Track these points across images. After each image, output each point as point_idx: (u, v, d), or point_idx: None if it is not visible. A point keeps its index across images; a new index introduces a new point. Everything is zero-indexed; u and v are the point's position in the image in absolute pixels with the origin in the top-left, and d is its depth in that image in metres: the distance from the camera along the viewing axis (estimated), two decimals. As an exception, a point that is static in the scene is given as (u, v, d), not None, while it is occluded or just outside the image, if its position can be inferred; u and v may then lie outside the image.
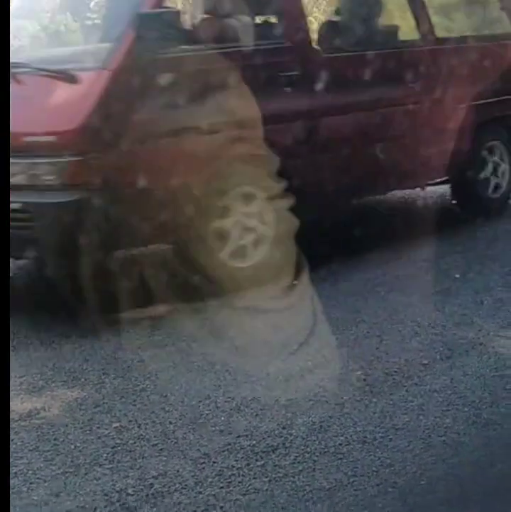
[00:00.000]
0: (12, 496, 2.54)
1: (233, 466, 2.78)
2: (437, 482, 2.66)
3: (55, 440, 2.98)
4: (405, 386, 3.36)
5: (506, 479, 2.69)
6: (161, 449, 2.90)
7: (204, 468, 2.78)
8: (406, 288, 4.57)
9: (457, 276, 4.76)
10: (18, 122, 3.19)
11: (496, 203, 6.09)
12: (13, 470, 2.74)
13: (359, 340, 3.91)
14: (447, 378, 3.42)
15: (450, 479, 2.68)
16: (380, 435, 2.98)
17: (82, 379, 3.52)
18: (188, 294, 4.28)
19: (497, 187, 6.07)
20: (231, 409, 3.21)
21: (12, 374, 3.39)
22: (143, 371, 3.57)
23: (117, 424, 3.09)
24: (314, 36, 5.44)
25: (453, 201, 6.22)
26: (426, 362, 3.59)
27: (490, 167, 6.02)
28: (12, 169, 3.39)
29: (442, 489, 2.63)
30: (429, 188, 6.20)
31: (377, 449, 2.88)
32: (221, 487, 2.66)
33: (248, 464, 2.80)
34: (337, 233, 5.48)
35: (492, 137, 6.02)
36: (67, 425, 3.09)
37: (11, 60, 3.29)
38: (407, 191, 6.43)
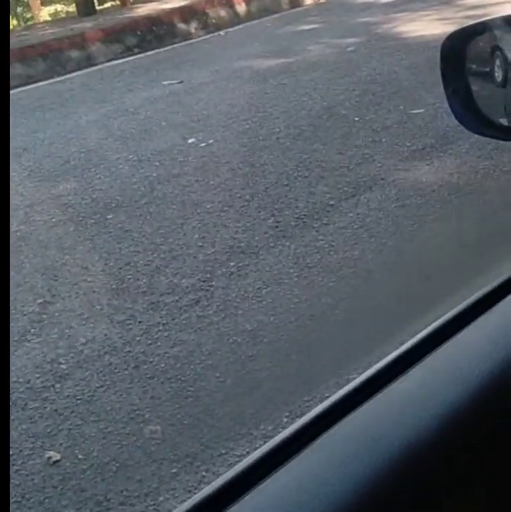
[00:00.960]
0: None
1: (159, 323, 2.90)
2: (348, 306, 2.83)
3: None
4: (315, 227, 3.50)
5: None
6: (87, 317, 2.99)
7: (130, 328, 2.89)
8: (309, 137, 4.65)
9: (356, 119, 4.84)
10: None
11: None
12: None
13: (268, 190, 4.00)
14: (353, 214, 3.56)
15: (354, 301, 2.86)
16: (295, 274, 3.12)
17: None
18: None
19: None
20: (152, 271, 3.30)
21: None
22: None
23: (41, 300, 3.15)
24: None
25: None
26: (332, 202, 3.72)
27: None
28: None
29: (354, 309, 2.81)
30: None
31: (294, 288, 3.02)
32: (149, 344, 2.78)
33: (173, 319, 2.91)
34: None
35: None
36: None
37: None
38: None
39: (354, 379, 0.78)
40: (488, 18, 1.16)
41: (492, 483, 0.76)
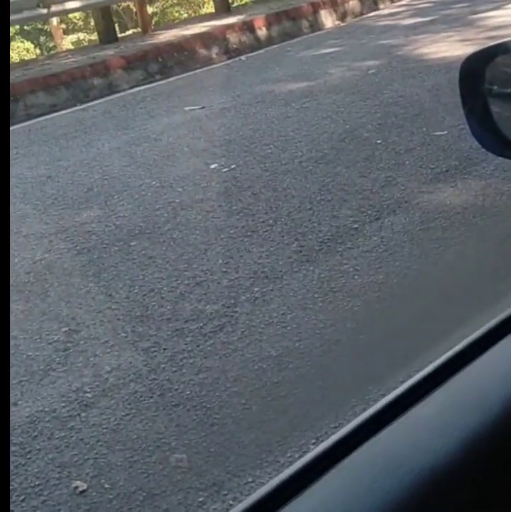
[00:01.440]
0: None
1: (184, 350, 2.89)
2: (373, 330, 2.81)
3: (7, 352, 3.04)
4: (339, 251, 3.48)
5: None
6: (112, 346, 2.99)
7: (155, 356, 2.88)
8: (332, 161, 4.65)
9: (378, 141, 4.84)
10: None
11: None
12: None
13: (292, 214, 4.00)
14: (377, 238, 3.55)
15: (380, 325, 2.84)
16: (319, 299, 3.11)
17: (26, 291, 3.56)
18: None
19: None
20: (176, 297, 3.30)
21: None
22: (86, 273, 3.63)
23: (66, 328, 3.16)
24: None
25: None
26: (356, 226, 3.71)
27: None
28: None
29: (378, 333, 2.79)
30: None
31: (319, 313, 3.01)
32: (174, 371, 2.77)
33: (198, 346, 2.91)
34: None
35: None
36: (15, 337, 3.15)
37: None
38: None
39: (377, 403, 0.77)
40: (508, 38, 1.15)
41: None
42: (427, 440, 0.74)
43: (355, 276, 3.23)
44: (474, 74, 1.11)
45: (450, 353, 0.82)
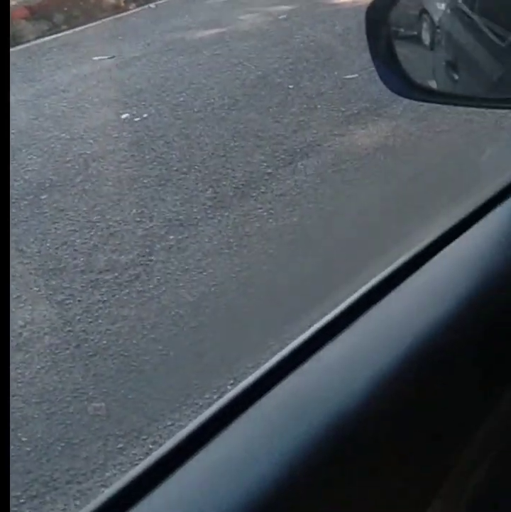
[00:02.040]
0: None
1: (99, 301, 2.86)
2: (289, 276, 2.83)
3: None
4: (253, 196, 3.48)
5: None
6: (25, 300, 2.93)
7: (70, 308, 2.84)
8: (244, 107, 4.61)
9: (290, 86, 4.82)
10: None
11: None
12: None
13: (205, 162, 3.96)
14: (291, 181, 3.55)
15: (295, 266, 2.87)
16: (234, 244, 3.11)
17: None
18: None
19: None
20: (89, 249, 3.24)
21: None
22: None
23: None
24: None
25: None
26: (269, 170, 3.70)
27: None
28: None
29: (293, 274, 2.81)
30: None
31: (234, 257, 3.01)
32: (90, 322, 2.74)
33: (114, 296, 2.88)
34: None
35: None
36: None
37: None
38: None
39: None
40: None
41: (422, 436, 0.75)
42: (335, 382, 0.74)
43: (270, 220, 3.24)
44: (379, 17, 1.10)
45: (352, 298, 0.81)
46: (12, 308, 2.87)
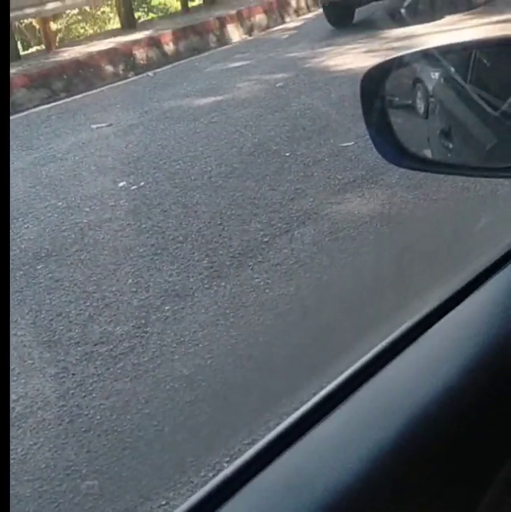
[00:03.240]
0: None
1: (93, 374, 2.82)
2: (286, 347, 2.80)
3: None
4: (250, 265, 3.47)
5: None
6: (18, 373, 2.89)
7: (64, 381, 2.80)
8: (241, 175, 4.65)
9: (287, 154, 4.86)
10: None
11: None
12: None
13: (202, 230, 3.97)
14: (288, 250, 3.55)
15: (292, 337, 2.84)
16: (231, 315, 3.08)
17: None
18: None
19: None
20: (84, 320, 3.22)
21: None
22: None
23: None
24: None
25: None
26: (266, 239, 3.70)
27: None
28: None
29: (293, 349, 2.78)
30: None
31: (230, 329, 2.98)
32: (84, 396, 2.70)
33: (108, 369, 2.84)
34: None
35: None
36: None
37: None
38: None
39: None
40: (406, 52, 1.16)
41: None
42: (332, 457, 0.73)
43: (266, 290, 3.22)
44: (374, 87, 1.11)
45: (352, 369, 0.81)
46: (5, 382, 2.83)
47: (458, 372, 0.80)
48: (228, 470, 0.71)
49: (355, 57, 7.07)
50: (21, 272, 3.66)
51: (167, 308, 3.19)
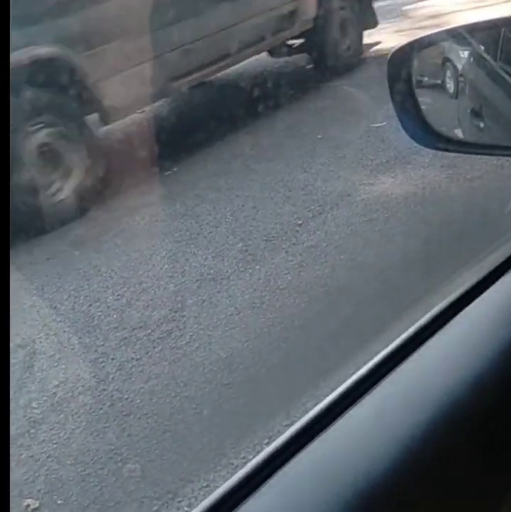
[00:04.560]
0: None
1: (132, 358, 2.86)
2: (322, 329, 2.82)
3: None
4: (284, 248, 3.48)
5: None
6: (59, 359, 2.94)
7: (104, 366, 2.84)
8: (274, 156, 4.65)
9: (319, 136, 4.85)
10: None
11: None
12: None
13: (236, 214, 3.98)
14: (321, 232, 3.55)
15: (328, 319, 2.85)
16: (267, 297, 3.10)
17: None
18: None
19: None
20: (122, 306, 3.26)
21: None
22: (28, 287, 3.56)
23: (10, 344, 3.10)
24: None
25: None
26: (300, 221, 3.71)
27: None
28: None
29: (330, 330, 2.79)
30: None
31: (266, 312, 3.00)
32: (124, 380, 2.74)
33: (147, 353, 2.88)
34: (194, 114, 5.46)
35: None
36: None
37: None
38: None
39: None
40: (434, 31, 1.15)
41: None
42: (364, 444, 0.73)
43: (301, 273, 3.23)
44: (401, 68, 1.11)
45: (381, 355, 0.81)
46: (47, 367, 2.88)
47: (488, 360, 0.80)
48: (257, 459, 0.72)
49: (386, 36, 7.00)
50: (57, 260, 3.70)
51: (203, 291, 3.22)
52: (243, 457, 2.31)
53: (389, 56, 1.12)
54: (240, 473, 0.73)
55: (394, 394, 0.78)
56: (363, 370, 0.80)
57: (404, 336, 0.83)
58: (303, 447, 0.73)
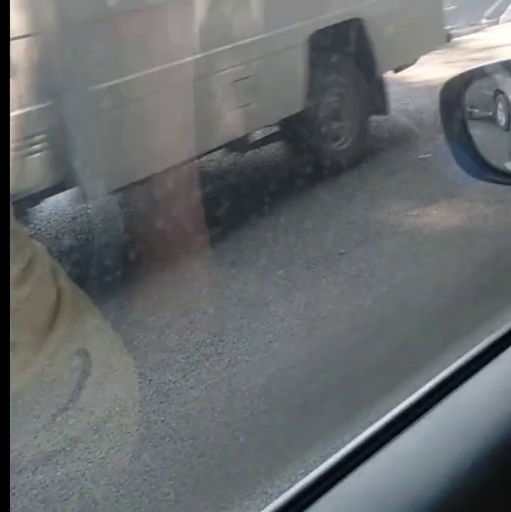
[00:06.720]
0: None
1: (170, 381, 2.86)
2: (362, 361, 2.79)
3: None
4: (325, 277, 3.47)
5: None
6: (96, 377, 2.94)
7: (141, 388, 2.84)
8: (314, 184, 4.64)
9: (364, 165, 4.85)
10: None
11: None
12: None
13: (278, 240, 3.98)
14: (363, 262, 3.53)
15: (377, 352, 2.82)
16: (306, 326, 3.09)
17: None
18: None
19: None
20: (162, 326, 3.27)
21: None
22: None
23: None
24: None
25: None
26: (342, 251, 3.70)
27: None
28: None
29: (369, 362, 2.76)
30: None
31: (306, 340, 2.99)
32: (160, 402, 2.74)
33: (184, 376, 2.88)
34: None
35: None
36: None
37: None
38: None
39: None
40: (487, 63, 1.15)
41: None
42: (411, 472, 0.73)
43: (343, 303, 3.22)
44: (453, 98, 1.10)
45: (432, 383, 0.81)
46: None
47: None
48: (311, 476, 0.72)
49: (434, 67, 6.99)
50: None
51: (242, 317, 3.22)
52: (278, 486, 2.29)
53: (442, 86, 1.12)
54: (289, 492, 0.74)
55: (444, 423, 0.78)
56: (413, 397, 0.80)
57: (455, 365, 0.83)
58: (352, 470, 0.73)
